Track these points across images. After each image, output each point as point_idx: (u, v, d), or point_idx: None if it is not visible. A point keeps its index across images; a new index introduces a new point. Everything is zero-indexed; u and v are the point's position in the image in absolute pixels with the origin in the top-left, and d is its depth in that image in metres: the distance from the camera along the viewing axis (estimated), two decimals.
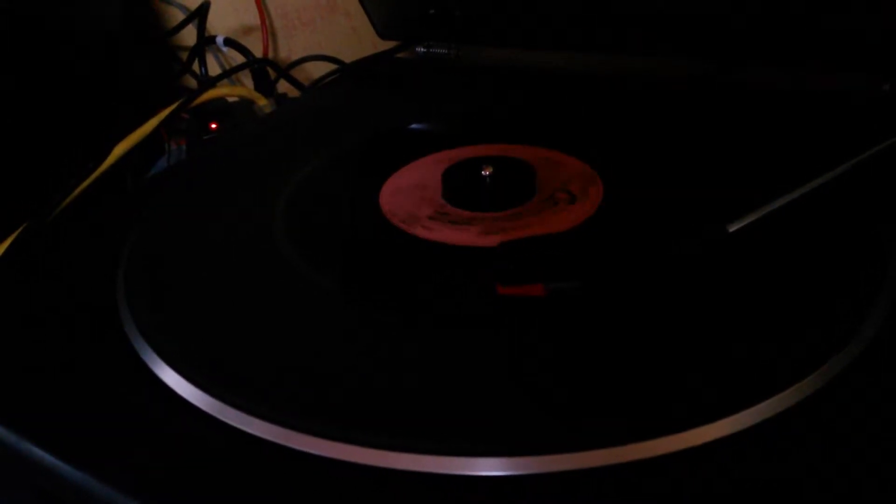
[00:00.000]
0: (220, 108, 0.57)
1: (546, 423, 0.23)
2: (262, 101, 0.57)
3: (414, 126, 0.46)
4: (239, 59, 0.67)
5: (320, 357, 0.27)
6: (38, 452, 0.24)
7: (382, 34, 0.59)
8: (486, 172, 0.36)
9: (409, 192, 0.38)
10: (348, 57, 0.63)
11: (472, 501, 0.21)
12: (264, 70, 0.63)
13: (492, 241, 0.32)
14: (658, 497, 0.20)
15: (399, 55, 0.58)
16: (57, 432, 0.25)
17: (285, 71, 0.65)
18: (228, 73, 0.62)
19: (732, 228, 0.29)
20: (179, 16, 0.71)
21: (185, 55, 0.70)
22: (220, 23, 0.71)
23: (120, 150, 0.47)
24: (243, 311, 0.30)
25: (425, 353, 0.26)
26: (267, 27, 0.69)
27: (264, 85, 0.62)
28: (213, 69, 0.73)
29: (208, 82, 0.61)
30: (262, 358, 0.27)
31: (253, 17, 0.69)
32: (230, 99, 0.59)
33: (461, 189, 0.37)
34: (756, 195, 0.31)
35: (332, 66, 0.63)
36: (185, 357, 0.27)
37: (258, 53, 0.67)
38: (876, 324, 0.25)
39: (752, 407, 0.22)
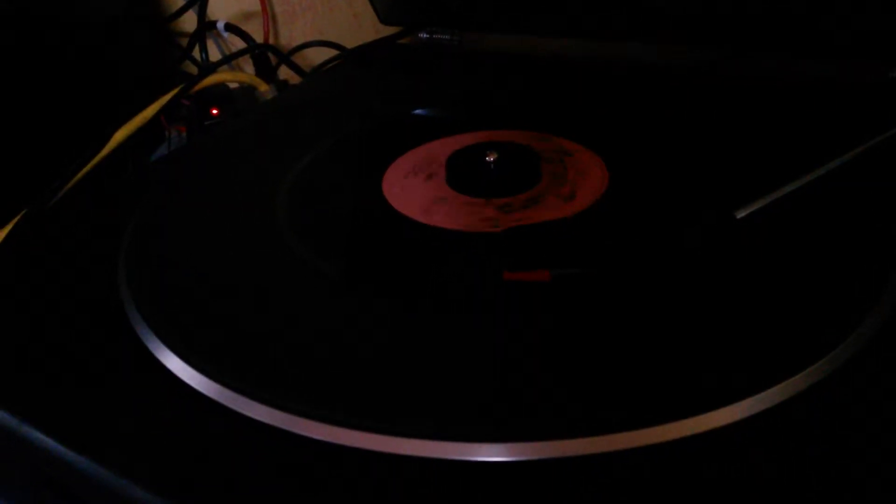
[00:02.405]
0: (220, 94, 0.57)
1: (546, 409, 0.23)
2: (263, 87, 0.57)
3: (417, 112, 0.46)
4: (240, 44, 0.67)
5: (322, 342, 0.26)
6: (41, 438, 0.24)
7: (385, 20, 0.59)
8: (490, 158, 0.36)
9: (413, 178, 0.38)
10: (350, 43, 0.62)
11: (473, 487, 0.21)
12: (265, 56, 0.63)
13: (497, 227, 0.32)
14: (658, 484, 0.20)
15: (401, 41, 0.57)
16: (59, 418, 0.25)
17: (286, 57, 0.65)
18: (229, 59, 0.61)
19: (740, 215, 0.29)
20: (180, 1, 0.71)
21: (185, 41, 0.70)
22: (221, 8, 0.71)
23: (120, 135, 0.47)
24: (246, 296, 0.30)
25: (427, 339, 0.26)
26: (268, 12, 0.68)
27: (265, 71, 0.62)
28: (214, 55, 0.73)
29: (209, 68, 0.61)
30: (264, 343, 0.27)
31: (254, 3, 0.69)
32: (231, 85, 0.58)
33: (465, 175, 0.36)
34: (762, 183, 0.30)
35: (333, 52, 0.62)
36: (187, 342, 0.26)
37: (259, 39, 0.67)
38: (881, 314, 0.25)
39: (754, 396, 0.22)
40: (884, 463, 0.20)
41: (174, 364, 0.26)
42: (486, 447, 0.21)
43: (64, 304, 0.30)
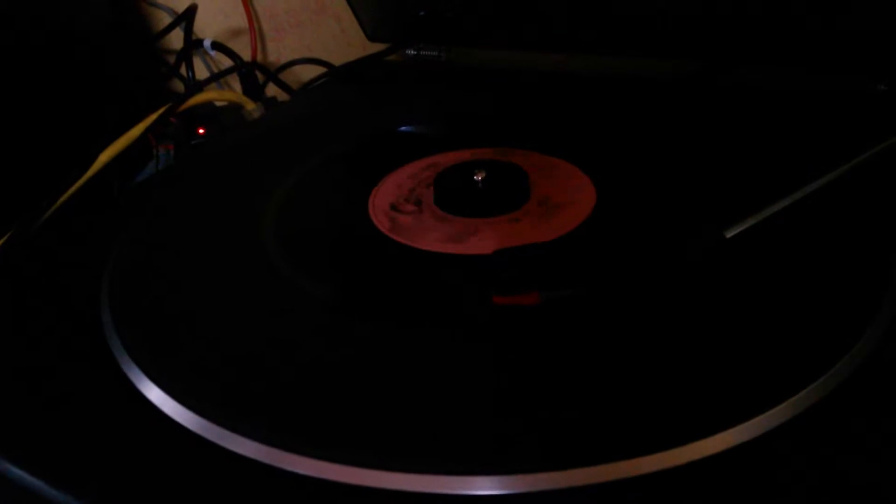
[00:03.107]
0: (207, 113, 0.57)
1: (538, 440, 0.22)
2: (250, 106, 0.56)
3: (404, 129, 0.46)
4: (227, 62, 0.66)
5: (308, 373, 0.26)
6: (15, 471, 0.23)
7: (372, 36, 0.59)
8: (478, 177, 0.36)
9: (401, 198, 0.37)
10: (337, 60, 0.62)
11: None
12: (252, 73, 0.62)
13: (485, 248, 0.32)
14: None
15: (389, 58, 0.57)
16: (35, 450, 0.24)
17: (274, 74, 0.64)
18: (216, 77, 0.61)
19: (730, 234, 0.28)
20: (166, 19, 0.71)
21: (172, 59, 0.69)
22: (208, 26, 0.70)
23: (106, 156, 0.46)
24: (232, 324, 0.29)
25: (417, 369, 0.26)
26: (255, 30, 0.68)
27: (252, 89, 0.62)
28: (201, 73, 0.72)
29: (196, 86, 0.60)
30: (250, 375, 0.26)
31: (241, 20, 0.68)
32: (218, 103, 0.58)
33: (453, 194, 0.36)
34: (752, 198, 0.30)
35: (321, 69, 0.62)
36: (170, 373, 0.26)
37: (246, 57, 0.67)
38: (878, 331, 0.24)
39: (751, 420, 0.21)
40: (884, 482, 0.20)
41: (155, 396, 0.25)
42: (479, 480, 0.21)
43: (46, 331, 0.30)
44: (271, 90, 0.65)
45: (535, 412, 0.23)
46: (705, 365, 0.24)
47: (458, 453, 0.22)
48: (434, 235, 0.33)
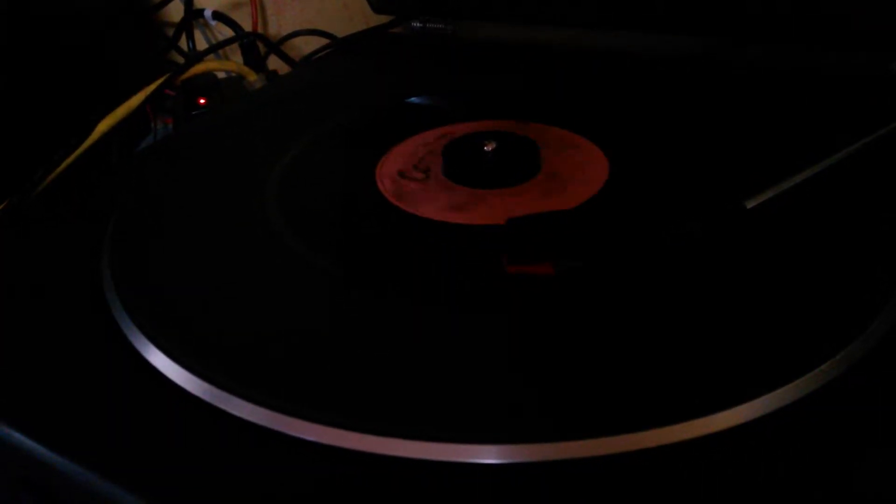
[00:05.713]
0: (208, 83, 0.56)
1: (547, 410, 0.22)
2: (251, 77, 0.55)
3: (413, 100, 0.45)
4: (228, 33, 0.65)
5: (314, 339, 0.25)
6: (21, 438, 0.23)
7: (377, 8, 0.57)
8: (488, 148, 0.35)
9: (408, 169, 0.36)
10: (340, 32, 0.61)
11: (472, 489, 0.20)
12: (254, 44, 0.61)
13: (496, 218, 0.31)
14: (659, 488, 0.19)
15: (392, 30, 0.56)
16: (41, 417, 0.24)
17: (276, 45, 0.63)
18: (216, 48, 0.60)
19: (751, 204, 0.28)
20: None
21: (171, 31, 0.68)
22: None
23: (104, 126, 0.46)
24: (234, 291, 0.28)
25: (424, 337, 0.25)
26: (256, 1, 0.67)
27: (254, 60, 0.61)
28: (201, 45, 0.71)
29: (196, 56, 0.59)
30: (254, 341, 0.25)
31: None
32: (219, 74, 0.57)
33: (463, 165, 0.35)
34: (765, 175, 0.30)
35: (323, 41, 0.61)
36: (173, 339, 0.25)
37: (248, 28, 0.65)
38: (891, 315, 0.24)
39: (760, 398, 0.21)
40: (880, 471, 0.19)
41: (160, 361, 0.24)
42: (484, 449, 0.20)
43: (46, 299, 0.29)
44: (273, 62, 0.64)
45: (539, 383, 0.23)
46: (717, 340, 0.24)
47: (463, 421, 0.21)
48: (443, 206, 0.33)
